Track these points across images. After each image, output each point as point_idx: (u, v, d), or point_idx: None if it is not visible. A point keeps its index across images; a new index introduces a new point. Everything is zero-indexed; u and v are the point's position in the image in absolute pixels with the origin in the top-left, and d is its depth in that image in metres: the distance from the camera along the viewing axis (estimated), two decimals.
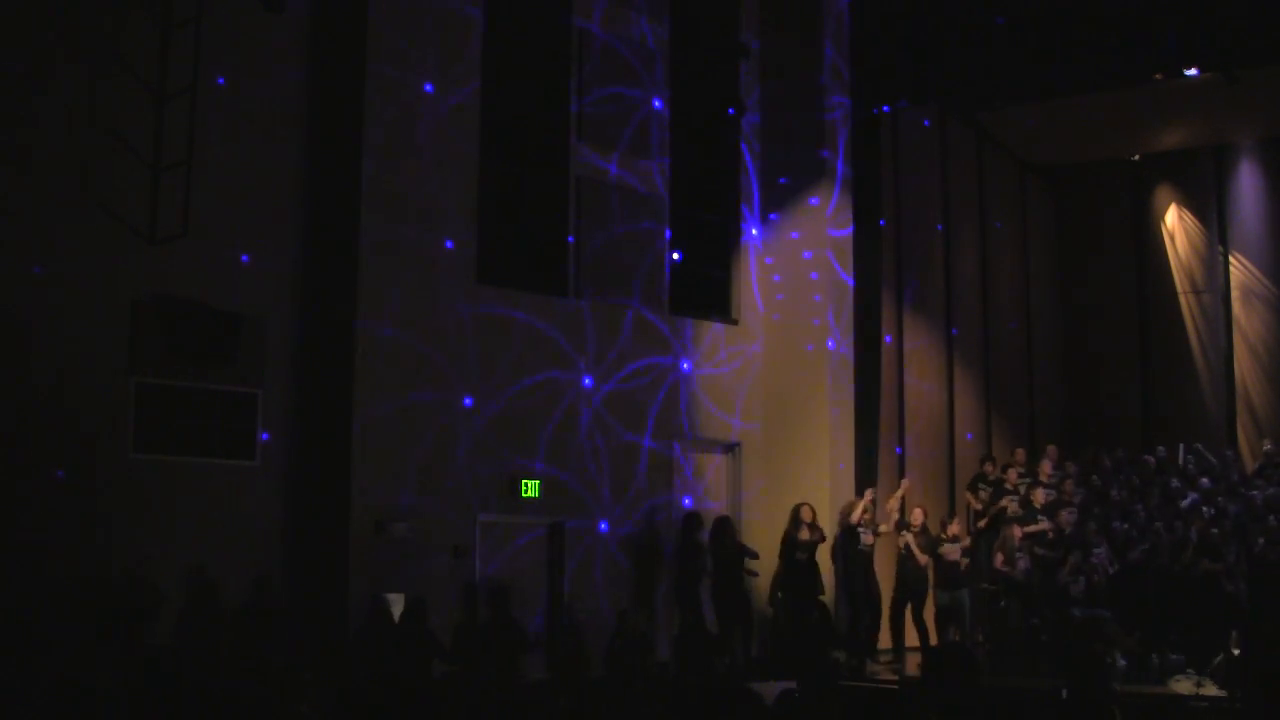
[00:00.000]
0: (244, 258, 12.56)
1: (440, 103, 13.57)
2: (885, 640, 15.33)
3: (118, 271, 11.72)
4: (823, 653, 13.56)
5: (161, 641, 10.71)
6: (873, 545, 15.12)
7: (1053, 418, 20.79)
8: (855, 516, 14.87)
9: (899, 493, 15.78)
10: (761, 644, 15.14)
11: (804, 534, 14.63)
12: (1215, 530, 14.98)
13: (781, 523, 15.28)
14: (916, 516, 15.35)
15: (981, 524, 16.09)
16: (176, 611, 11.11)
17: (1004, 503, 15.96)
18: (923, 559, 15.03)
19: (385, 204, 13.02)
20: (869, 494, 15.36)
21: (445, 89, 13.63)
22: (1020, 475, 16.78)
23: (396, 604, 12.20)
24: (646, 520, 15.02)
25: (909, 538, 15.12)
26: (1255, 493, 15.70)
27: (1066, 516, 14.97)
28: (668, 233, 15.78)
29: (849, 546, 14.95)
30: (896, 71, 17.09)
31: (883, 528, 15.33)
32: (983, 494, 16.75)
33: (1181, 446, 17.86)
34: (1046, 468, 16.92)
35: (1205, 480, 16.25)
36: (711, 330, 16.10)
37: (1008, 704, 9.25)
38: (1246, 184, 19.94)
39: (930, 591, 15.15)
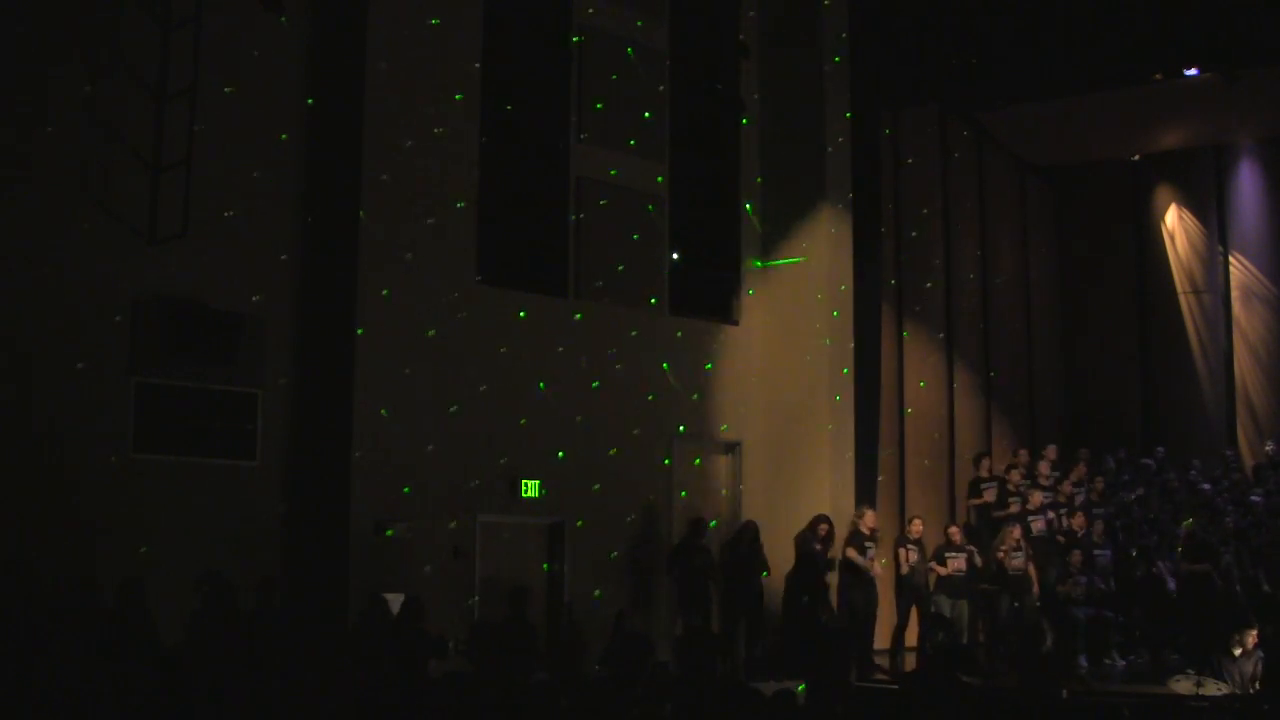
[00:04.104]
0: (244, 258, 12.56)
1: (440, 102, 13.57)
2: (884, 641, 15.32)
3: (118, 271, 11.72)
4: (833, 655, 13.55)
5: (172, 643, 10.70)
6: (873, 562, 15.05)
7: (1052, 418, 20.79)
8: (862, 529, 14.91)
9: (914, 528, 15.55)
10: (764, 644, 15.14)
11: (819, 546, 14.64)
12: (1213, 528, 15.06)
13: (781, 523, 15.27)
14: (916, 528, 15.27)
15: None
16: (187, 613, 11.09)
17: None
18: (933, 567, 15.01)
19: (385, 204, 13.02)
20: (871, 516, 15.27)
21: (445, 88, 13.63)
22: (1022, 476, 16.76)
23: (395, 604, 12.21)
24: (646, 521, 15.01)
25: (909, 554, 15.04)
26: (1256, 497, 15.72)
27: None
28: (668, 233, 15.78)
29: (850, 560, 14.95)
30: (896, 71, 17.08)
31: (879, 565, 15.07)
32: (987, 492, 16.64)
33: (1195, 464, 17.77)
34: (1044, 469, 16.93)
35: (1206, 485, 16.27)
36: (711, 330, 16.09)
37: (1006, 704, 9.25)
38: (1246, 184, 19.95)
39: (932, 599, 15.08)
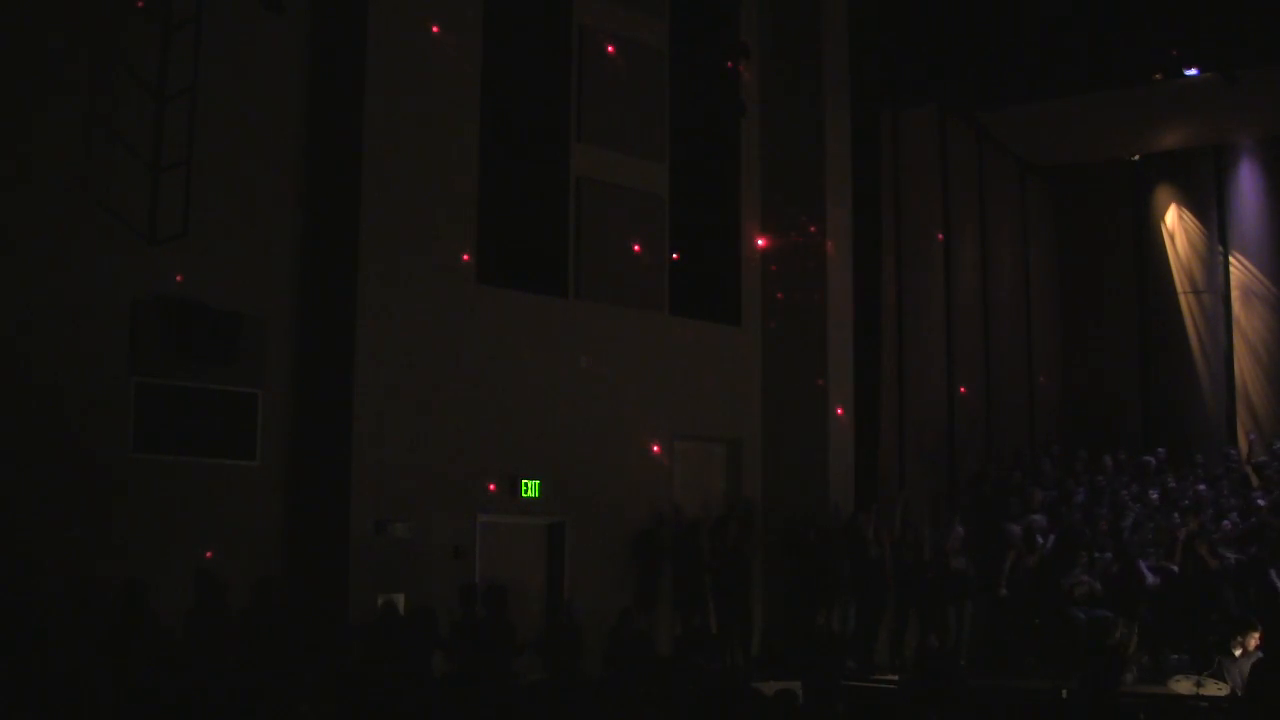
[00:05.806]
0: (244, 258, 12.55)
1: (440, 102, 13.57)
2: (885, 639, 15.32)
3: (118, 271, 11.73)
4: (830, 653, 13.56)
5: (167, 641, 10.71)
6: (881, 554, 15.04)
7: (1052, 418, 20.77)
8: (866, 525, 14.91)
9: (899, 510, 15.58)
10: (761, 643, 15.15)
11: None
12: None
13: (779, 523, 15.25)
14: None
15: None
16: (182, 612, 11.10)
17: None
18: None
19: (385, 204, 13.03)
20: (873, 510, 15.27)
21: (445, 88, 13.63)
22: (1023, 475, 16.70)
23: (398, 604, 12.21)
24: (646, 520, 14.99)
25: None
26: (1258, 494, 15.70)
27: None
28: (668, 233, 15.77)
29: (857, 552, 14.93)
30: (896, 71, 17.08)
31: None
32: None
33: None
34: (1046, 468, 16.92)
35: (1202, 486, 16.23)
36: (711, 330, 16.08)
37: (1005, 704, 9.25)
38: (1246, 184, 19.92)
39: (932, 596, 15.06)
